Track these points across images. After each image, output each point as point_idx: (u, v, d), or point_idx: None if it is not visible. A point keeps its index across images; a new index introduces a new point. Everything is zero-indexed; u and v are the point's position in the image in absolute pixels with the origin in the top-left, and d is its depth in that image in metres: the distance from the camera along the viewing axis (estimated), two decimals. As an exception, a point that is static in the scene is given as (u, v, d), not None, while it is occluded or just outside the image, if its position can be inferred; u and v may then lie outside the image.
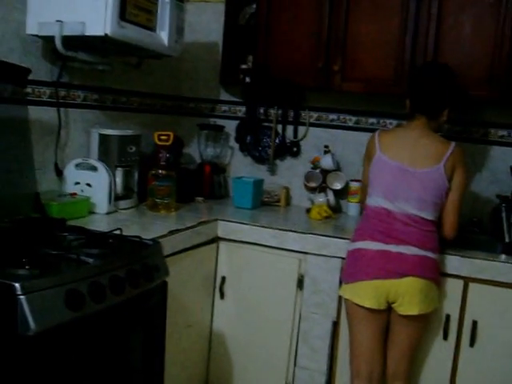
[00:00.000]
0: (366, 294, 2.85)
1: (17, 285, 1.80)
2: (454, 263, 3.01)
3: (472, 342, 3.02)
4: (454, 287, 3.03)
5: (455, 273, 3.01)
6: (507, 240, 3.11)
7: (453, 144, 2.92)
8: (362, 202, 3.34)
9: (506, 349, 2.98)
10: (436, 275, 2.91)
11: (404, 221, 2.85)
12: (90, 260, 2.13)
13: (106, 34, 2.75)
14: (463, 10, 3.33)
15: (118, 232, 2.49)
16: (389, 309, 2.90)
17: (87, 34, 2.77)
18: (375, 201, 2.94)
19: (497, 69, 3.27)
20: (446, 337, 3.06)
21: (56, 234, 2.46)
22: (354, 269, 2.93)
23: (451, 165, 2.87)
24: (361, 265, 2.89)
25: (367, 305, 2.85)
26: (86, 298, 1.99)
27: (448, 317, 3.04)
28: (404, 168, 2.86)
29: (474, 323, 3.00)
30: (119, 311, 2.22)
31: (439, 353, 3.10)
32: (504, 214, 3.16)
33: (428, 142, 2.91)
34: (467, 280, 3.01)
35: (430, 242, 2.87)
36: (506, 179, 3.62)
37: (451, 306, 3.04)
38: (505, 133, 3.68)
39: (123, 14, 2.83)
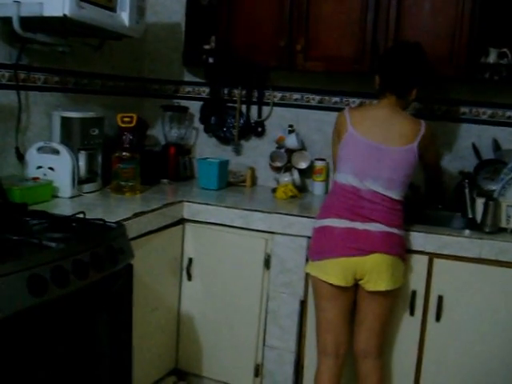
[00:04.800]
0: (334, 271, 2.86)
1: (-23, 271, 1.78)
2: (419, 239, 3.03)
3: (438, 317, 3.05)
4: (419, 263, 3.05)
5: (420, 249, 3.04)
6: (470, 215, 3.13)
7: (423, 123, 2.93)
8: None
9: (471, 322, 3.01)
10: (402, 251, 2.93)
11: (371, 199, 2.86)
12: (53, 244, 2.10)
13: (64, 15, 2.70)
14: (424, -13, 3.34)
15: (81, 216, 2.47)
16: (356, 286, 2.92)
17: (45, 14, 2.72)
18: (344, 178, 2.92)
19: (457, 46, 3.28)
20: (412, 312, 3.09)
21: (18, 219, 2.43)
22: (320, 246, 2.94)
23: (424, 144, 2.89)
24: (327, 242, 2.90)
25: (334, 282, 2.86)
26: (49, 283, 1.96)
27: (414, 292, 3.07)
28: (376, 146, 2.86)
29: (440, 298, 3.03)
30: (83, 296, 2.21)
31: (406, 328, 3.12)
32: (467, 190, 3.19)
33: (399, 121, 2.92)
34: (432, 256, 3.04)
35: (395, 220, 2.88)
36: (469, 156, 3.66)
37: (417, 282, 3.06)
38: (466, 110, 3.70)
39: (82, -5, 2.79)
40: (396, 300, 3.03)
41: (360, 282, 2.89)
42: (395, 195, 2.88)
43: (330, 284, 2.88)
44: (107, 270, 2.31)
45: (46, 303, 1.96)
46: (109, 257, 2.32)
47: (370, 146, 2.87)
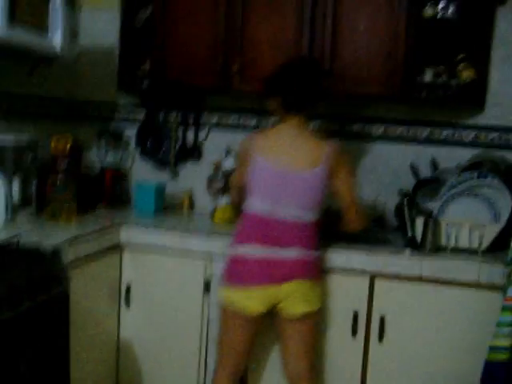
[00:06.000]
0: (245, 300, 2.83)
1: None
2: (360, 259, 3.04)
3: (380, 337, 3.06)
4: (360, 284, 3.06)
5: (361, 269, 3.04)
6: (410, 234, 3.15)
7: (330, 143, 2.89)
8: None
9: (413, 342, 3.04)
10: (318, 274, 2.92)
11: (284, 225, 2.84)
12: (-15, 272, 2.05)
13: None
14: (358, 9, 3.38)
15: (15, 241, 2.41)
16: (270, 313, 2.89)
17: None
18: (254, 205, 2.90)
19: (393, 65, 3.33)
20: (354, 333, 3.09)
21: None
22: (233, 274, 2.89)
23: (331, 165, 2.85)
24: (241, 271, 2.86)
25: (246, 312, 2.83)
26: (-19, 312, 1.91)
27: (356, 313, 3.07)
28: (284, 173, 2.83)
29: (382, 318, 3.04)
30: (17, 324, 2.14)
31: (348, 350, 3.12)
32: (406, 210, 3.21)
33: (305, 144, 2.88)
34: (373, 276, 3.05)
35: (310, 243, 2.87)
36: (407, 176, 3.68)
37: (358, 303, 3.07)
38: (403, 129, 3.75)
39: (13, 17, 2.72)
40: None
41: (277, 307, 2.87)
42: (307, 219, 2.87)
43: (240, 312, 2.84)
44: (42, 297, 2.26)
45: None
46: (43, 284, 2.28)
47: (278, 173, 2.84)
